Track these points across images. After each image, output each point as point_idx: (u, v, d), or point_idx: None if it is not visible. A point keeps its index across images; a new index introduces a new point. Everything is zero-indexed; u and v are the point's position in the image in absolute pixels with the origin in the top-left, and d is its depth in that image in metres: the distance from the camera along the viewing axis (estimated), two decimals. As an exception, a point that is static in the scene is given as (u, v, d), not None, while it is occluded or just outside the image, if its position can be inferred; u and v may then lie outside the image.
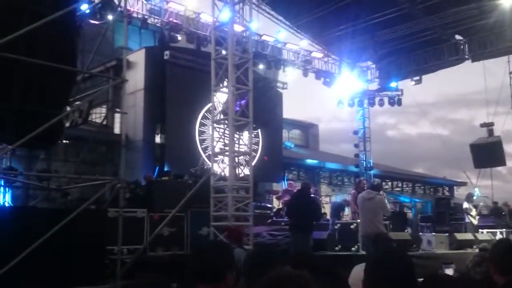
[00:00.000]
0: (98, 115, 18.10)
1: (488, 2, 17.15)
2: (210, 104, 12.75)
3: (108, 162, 16.25)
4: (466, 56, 22.41)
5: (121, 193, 8.71)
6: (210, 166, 12.11)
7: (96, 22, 14.65)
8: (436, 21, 21.21)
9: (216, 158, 12.16)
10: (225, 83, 11.86)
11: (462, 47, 22.45)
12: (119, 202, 8.63)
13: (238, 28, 12.38)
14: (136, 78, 17.84)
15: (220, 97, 12.26)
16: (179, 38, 18.77)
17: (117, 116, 18.67)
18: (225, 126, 11.98)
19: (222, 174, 11.69)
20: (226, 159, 11.85)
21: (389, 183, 31.45)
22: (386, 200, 13.45)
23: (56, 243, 6.99)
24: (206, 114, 17.99)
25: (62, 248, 7.26)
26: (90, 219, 8.13)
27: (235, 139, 12.06)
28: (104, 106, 17.85)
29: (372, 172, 25.14)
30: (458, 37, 22.43)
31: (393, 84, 24.52)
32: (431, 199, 26.43)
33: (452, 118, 73.53)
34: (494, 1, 16.52)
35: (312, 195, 12.85)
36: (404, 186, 32.96)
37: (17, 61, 7.67)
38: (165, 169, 17.09)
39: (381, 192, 12.13)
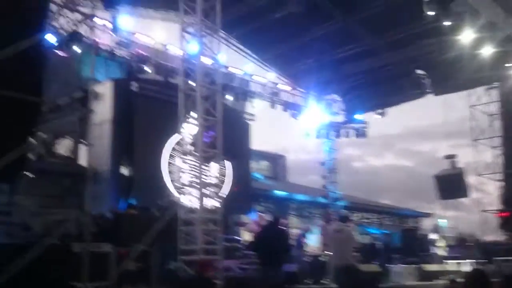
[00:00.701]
0: (63, 147, 17.72)
1: (448, 38, 17.84)
2: (178, 136, 12.68)
3: (73, 195, 15.77)
4: (428, 90, 23.15)
5: (86, 227, 8.49)
6: (178, 198, 11.97)
7: (63, 54, 14.52)
8: (397, 56, 21.94)
9: (184, 191, 12.04)
10: (194, 115, 11.86)
11: (423, 81, 23.21)
12: (84, 237, 8.39)
13: (206, 60, 12.49)
14: (103, 109, 17.58)
15: (189, 129, 12.23)
16: (147, 70, 18.77)
17: (83, 148, 18.32)
18: (194, 157, 11.92)
19: (191, 206, 11.55)
20: (195, 191, 11.74)
21: (358, 215, 31.67)
22: (354, 232, 13.52)
23: (18, 279, 6.71)
24: (175, 146, 17.86)
25: (25, 285, 6.97)
26: (54, 254, 7.87)
27: (204, 170, 12.00)
28: (69, 138, 17.50)
29: (340, 203, 25.31)
30: (419, 71, 23.20)
31: (358, 117, 25.04)
32: (399, 230, 26.72)
33: (416, 149, 75.22)
34: (453, 37, 17.20)
35: (282, 227, 12.80)
36: (372, 217, 33.25)
37: (-20, 92, 7.48)
38: (132, 201, 16.77)
39: (350, 224, 12.21)
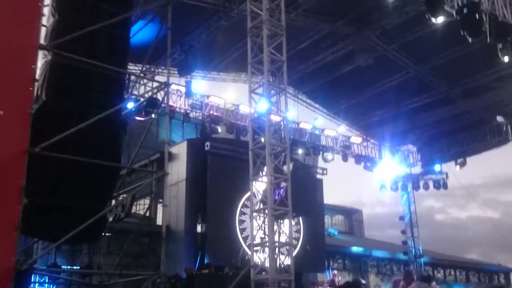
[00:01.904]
0: (141, 206, 18.44)
1: (527, 82, 17.06)
2: (249, 193, 12.78)
3: (151, 253, 16.24)
4: (510, 137, 21.94)
5: (161, 288, 8.62)
6: (250, 257, 11.90)
7: (142, 119, 15.38)
8: (475, 104, 21.13)
9: (256, 249, 11.97)
10: (264, 172, 11.95)
11: (504, 128, 22.07)
12: (159, 297, 8.51)
13: (275, 118, 12.70)
14: (178, 169, 18.29)
15: (259, 186, 12.31)
16: (219, 129, 19.42)
17: (160, 207, 18.97)
18: (265, 215, 11.90)
19: (263, 265, 11.43)
20: (267, 249, 11.63)
21: (441, 271, 29.81)
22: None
23: None
24: (246, 203, 18.01)
25: None
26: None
27: (275, 228, 11.92)
28: (148, 198, 18.21)
29: (422, 260, 23.98)
30: (499, 118, 22.13)
31: (437, 167, 24.03)
32: (487, 287, 24.76)
33: (502, 200, 70.44)
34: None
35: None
36: (457, 274, 31.14)
37: (64, 159, 8.03)
38: (206, 259, 16.92)
39: (433, 284, 11.51)
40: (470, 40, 13.58)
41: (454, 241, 46.32)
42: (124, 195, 11.30)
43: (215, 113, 19.41)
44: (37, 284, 12.91)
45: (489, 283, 30.82)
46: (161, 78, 13.70)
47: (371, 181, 25.86)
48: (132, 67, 14.93)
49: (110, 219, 10.03)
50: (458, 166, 23.48)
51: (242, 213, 18.48)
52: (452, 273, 30.63)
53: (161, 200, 18.28)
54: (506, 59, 14.05)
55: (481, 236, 54.52)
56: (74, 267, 13.12)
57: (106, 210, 8.98)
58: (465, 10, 12.57)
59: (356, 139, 24.13)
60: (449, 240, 44.26)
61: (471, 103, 21.26)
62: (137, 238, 15.79)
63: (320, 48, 18.77)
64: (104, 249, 11.95)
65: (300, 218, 19.07)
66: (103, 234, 10.19)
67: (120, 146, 9.93)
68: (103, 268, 11.33)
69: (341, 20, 17.37)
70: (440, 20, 14.16)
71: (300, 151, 21.76)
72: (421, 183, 24.59)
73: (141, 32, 12.84)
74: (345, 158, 23.46)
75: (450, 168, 24.06)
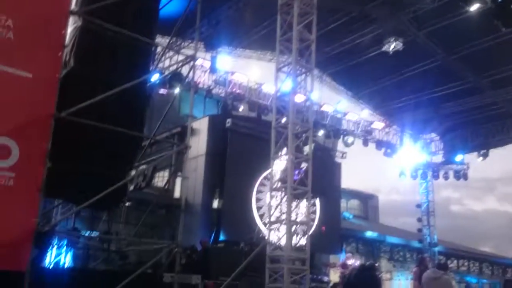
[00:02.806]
0: (160, 178, 18.62)
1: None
2: (268, 171, 12.78)
3: (166, 225, 16.46)
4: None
5: (177, 258, 8.74)
6: (266, 234, 11.96)
7: (165, 92, 15.41)
8: (502, 95, 20.72)
9: (272, 227, 12.01)
10: (284, 151, 11.91)
11: (530, 122, 21.66)
12: (175, 267, 8.63)
13: (299, 98, 12.58)
14: (198, 144, 18.37)
15: (279, 165, 12.29)
16: (241, 107, 19.40)
17: (178, 180, 19.12)
18: (283, 194, 11.90)
19: (278, 243, 11.48)
20: (283, 228, 11.67)
21: (455, 262, 29.66)
22: (453, 281, 12.65)
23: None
24: (264, 181, 18.03)
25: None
26: (146, 283, 8.16)
27: (292, 207, 11.93)
28: (166, 170, 18.37)
29: (436, 249, 23.90)
30: (525, 111, 21.69)
31: (458, 158, 23.73)
32: (500, 280, 24.60)
33: (521, 194, 69.49)
34: None
35: (375, 274, 12.23)
36: (471, 265, 30.96)
37: (88, 125, 8.10)
38: (221, 234, 17.09)
39: (448, 272, 11.44)
40: (503, 29, 13.28)
41: (469, 233, 45.99)
42: (145, 166, 11.39)
43: (238, 91, 19.37)
44: (55, 247, 13.18)
45: (503, 276, 30.59)
46: (187, 52, 13.63)
47: (390, 168, 25.73)
48: (159, 39, 14.89)
49: (131, 187, 10.14)
50: (480, 158, 23.18)
51: (259, 191, 18.55)
52: (466, 264, 30.46)
53: (179, 173, 18.43)
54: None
55: (496, 229, 54.08)
56: (93, 233, 13.36)
57: (129, 178, 9.08)
58: (501, -2, 12.23)
59: (378, 124, 23.92)
60: (464, 231, 43.97)
61: (498, 95, 20.86)
62: (154, 209, 16.00)
63: (349, 30, 18.44)
64: (123, 217, 12.15)
65: (317, 199, 19.07)
66: (123, 202, 10.32)
67: (144, 117, 9.97)
68: (121, 235, 11.53)
69: (372, 2, 17.05)
70: (474, 7, 13.87)
71: (320, 133, 21.67)
72: (441, 173, 24.38)
73: (170, 4, 12.75)
74: (365, 143, 23.31)
75: (471, 159, 23.81)
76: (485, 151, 23.03)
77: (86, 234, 13.49)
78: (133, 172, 10.19)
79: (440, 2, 16.09)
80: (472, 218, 61.33)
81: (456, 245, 30.60)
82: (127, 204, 12.83)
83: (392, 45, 17.76)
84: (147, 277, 8.52)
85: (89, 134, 8.46)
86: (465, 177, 23.86)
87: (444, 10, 16.55)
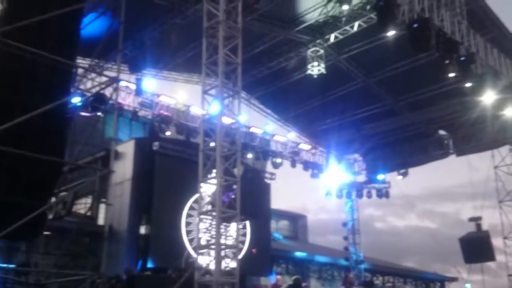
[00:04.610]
0: (83, 205, 17.82)
1: (470, 99, 17.80)
2: (197, 195, 12.62)
3: (90, 254, 15.72)
4: (451, 151, 22.90)
5: (101, 289, 8.34)
6: (195, 259, 11.74)
7: (88, 114, 14.89)
8: (419, 117, 21.93)
9: (202, 251, 11.83)
10: (214, 174, 11.84)
11: (446, 141, 23.02)
12: (98, 299, 8.22)
13: (227, 120, 12.62)
14: (124, 169, 17.81)
15: (208, 188, 12.18)
16: (169, 130, 19.11)
17: (102, 207, 18.40)
18: (212, 217, 11.78)
19: (208, 268, 11.30)
20: (213, 252, 11.53)
21: (380, 278, 30.61)
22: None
23: None
24: (194, 205, 17.78)
25: None
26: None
27: (222, 231, 11.83)
28: (89, 197, 17.62)
29: (362, 266, 24.55)
30: (442, 132, 23.06)
31: (380, 177, 24.74)
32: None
33: (439, 211, 73.44)
34: (475, 98, 17.14)
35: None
36: (395, 281, 32.08)
37: (4, 152, 7.65)
38: (149, 261, 16.56)
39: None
40: (418, 54, 14.12)
41: (393, 249, 47.77)
42: (65, 193, 10.87)
43: (165, 113, 19.09)
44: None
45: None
46: (110, 74, 13.28)
47: (317, 188, 26.27)
48: (81, 61, 14.44)
49: (50, 216, 9.62)
50: (400, 176, 24.28)
51: (189, 215, 18.23)
52: (391, 280, 31.52)
53: (104, 200, 17.75)
54: (451, 75, 14.67)
55: (418, 245, 56.58)
56: (10, 265, 12.50)
57: (46, 206, 8.62)
58: (415, 25, 12.99)
59: (305, 145, 24.47)
60: (388, 248, 45.60)
61: (415, 116, 22.06)
62: (77, 238, 15.22)
63: (274, 54, 18.93)
64: (42, 248, 11.46)
65: (247, 221, 19.04)
66: (42, 232, 9.75)
67: (64, 141, 9.57)
68: (40, 267, 10.86)
69: (295, 28, 17.60)
70: (390, 33, 14.64)
71: (250, 155, 21.81)
72: (365, 192, 25.23)
73: (92, 25, 12.46)
74: (293, 164, 23.72)
75: (392, 178, 24.86)
76: (404, 170, 24.15)
77: (3, 267, 12.61)
78: (53, 200, 9.69)
79: (359, 28, 16.91)
80: (395, 235, 63.86)
81: (381, 261, 31.60)
82: (46, 233, 12.14)
83: (316, 69, 18.35)
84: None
85: (6, 161, 7.99)
86: (386, 195, 24.84)
87: (363, 36, 17.40)
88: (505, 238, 21.75)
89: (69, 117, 11.19)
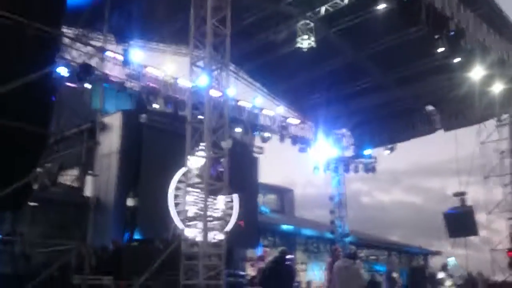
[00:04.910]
0: (69, 177, 17.73)
1: (458, 74, 17.85)
2: (185, 168, 12.62)
3: (76, 225, 15.69)
4: (438, 127, 23.06)
5: (86, 259, 8.38)
6: (182, 231, 11.82)
7: (74, 85, 14.69)
8: (407, 92, 21.97)
9: (189, 223, 11.90)
10: (202, 147, 11.83)
11: (433, 117, 23.16)
12: (84, 269, 8.27)
13: (215, 93, 12.55)
14: (111, 141, 17.68)
15: (196, 161, 12.17)
16: (157, 102, 18.94)
17: (89, 179, 18.31)
18: (200, 190, 11.82)
19: (195, 239, 11.39)
20: (200, 224, 11.60)
21: (365, 251, 31.14)
22: (362, 269, 13.22)
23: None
24: (182, 178, 17.77)
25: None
26: (53, 286, 7.74)
27: (210, 203, 11.89)
28: (76, 169, 17.53)
29: (348, 239, 24.92)
30: (429, 107, 23.17)
31: (367, 152, 24.90)
32: (407, 268, 26.16)
33: (424, 186, 74.51)
34: (463, 73, 17.20)
35: (288, 263, 12.55)
36: (380, 254, 32.67)
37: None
38: (136, 232, 16.63)
39: (357, 261, 11.93)
40: (408, 29, 14.06)
41: (378, 223, 48.48)
42: (51, 164, 10.80)
43: (152, 85, 18.89)
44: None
45: (409, 264, 32.56)
46: (96, 44, 13.06)
47: (304, 162, 26.40)
48: (66, 30, 14.16)
49: (36, 187, 9.56)
50: (387, 151, 24.47)
51: (176, 188, 18.22)
52: (375, 253, 32.09)
53: (90, 171, 17.66)
54: (440, 50, 14.67)
55: (402, 219, 57.49)
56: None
57: (31, 177, 8.55)
58: (405, -1, 12.92)
59: (293, 120, 24.47)
60: (373, 222, 46.26)
61: (403, 92, 22.09)
62: (63, 208, 15.19)
63: (263, 27, 18.71)
64: (28, 218, 11.45)
65: (235, 195, 19.11)
66: (27, 202, 9.71)
67: (49, 112, 9.42)
68: (26, 237, 10.87)
69: (285, 0, 17.38)
70: (380, 6, 14.55)
71: (238, 129, 21.77)
72: (352, 166, 25.42)
73: (78, -7, 12.17)
74: (282, 139, 23.76)
75: (379, 153, 25.05)
76: (392, 145, 24.33)
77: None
78: (38, 171, 9.62)
79: (350, 1, 16.74)
80: (381, 209, 64.77)
81: (366, 235, 32.10)
82: (32, 204, 12.10)
83: (306, 42, 18.21)
84: (54, 280, 8.07)
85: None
86: (373, 170, 25.08)
87: (353, 9, 17.26)
88: (488, 213, 22.16)
89: (55, 87, 11.03)
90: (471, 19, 15.36)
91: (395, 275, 16.30)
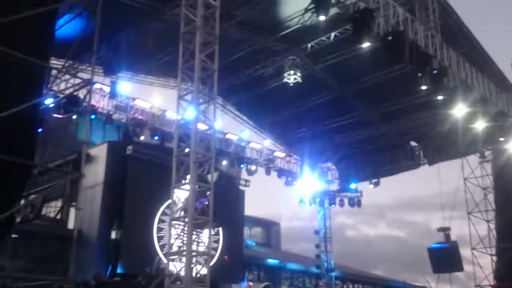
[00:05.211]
0: (53, 209, 17.47)
1: (441, 111, 18.15)
2: (170, 201, 12.52)
3: (58, 259, 15.39)
4: (422, 162, 23.31)
5: (68, 295, 8.17)
6: (166, 265, 11.64)
7: (60, 116, 14.64)
8: (392, 128, 22.29)
9: (173, 257, 11.73)
10: (187, 180, 11.77)
11: (417, 153, 23.42)
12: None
13: (202, 126, 12.60)
14: (96, 172, 17.55)
15: (182, 194, 12.11)
16: (143, 135, 18.93)
17: (73, 211, 18.07)
18: (185, 223, 11.70)
19: (179, 274, 11.21)
20: (184, 259, 11.44)
21: (350, 286, 30.87)
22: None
23: None
24: (167, 211, 17.62)
25: None
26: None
27: (194, 237, 11.75)
28: (60, 201, 17.30)
29: (333, 274, 24.74)
30: (413, 143, 23.47)
31: (352, 186, 25.01)
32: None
33: (409, 220, 74.49)
34: (446, 110, 17.50)
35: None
36: (365, 289, 32.40)
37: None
38: (119, 267, 16.33)
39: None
40: (392, 66, 14.36)
41: (363, 257, 48.18)
42: (35, 196, 10.64)
43: (140, 117, 18.92)
44: None
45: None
46: (84, 76, 13.10)
47: (290, 195, 26.39)
48: (54, 62, 14.20)
49: (18, 219, 9.39)
50: (372, 186, 24.58)
51: (161, 221, 18.04)
52: (360, 287, 31.82)
53: (74, 203, 17.44)
54: (424, 87, 14.96)
55: (387, 253, 57.25)
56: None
57: (14, 209, 8.40)
58: (390, 38, 13.22)
59: (279, 153, 24.57)
60: (359, 255, 45.96)
61: (388, 127, 22.43)
62: (45, 241, 14.92)
63: (251, 61, 19.00)
64: (10, 251, 11.17)
65: (220, 228, 18.97)
66: (9, 235, 9.51)
67: (34, 143, 9.37)
68: (7, 271, 10.59)
69: (273, 36, 17.71)
70: (365, 45, 14.85)
71: (224, 162, 21.77)
72: (337, 200, 25.46)
73: (67, 26, 12.24)
74: (268, 172, 23.79)
75: (364, 187, 25.16)
76: (376, 179, 24.46)
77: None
78: (21, 202, 9.47)
79: (336, 38, 17.12)
80: (366, 243, 64.46)
81: (351, 269, 31.88)
82: (14, 236, 11.85)
83: (292, 77, 18.50)
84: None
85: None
86: (358, 204, 25.11)
87: (339, 47, 17.62)
88: (473, 249, 22.21)
89: (41, 118, 11.00)
90: (454, 58, 15.74)
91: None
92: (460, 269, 21.21)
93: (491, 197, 22.47)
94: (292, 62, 18.51)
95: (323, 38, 17.40)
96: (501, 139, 18.86)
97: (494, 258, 22.00)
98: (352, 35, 14.00)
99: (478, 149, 20.96)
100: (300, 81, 18.55)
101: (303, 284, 27.62)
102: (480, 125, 17.99)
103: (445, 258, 20.64)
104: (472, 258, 22.21)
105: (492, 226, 22.35)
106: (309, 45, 17.92)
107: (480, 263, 22.12)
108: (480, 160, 22.33)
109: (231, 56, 17.85)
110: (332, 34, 17.14)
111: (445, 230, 21.25)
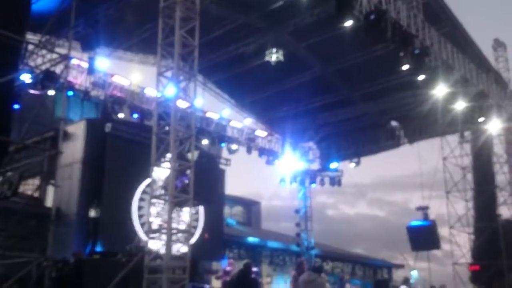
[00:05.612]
0: (30, 186, 17.21)
1: (422, 91, 18.24)
2: (150, 179, 12.42)
3: (37, 236, 15.21)
4: (402, 142, 23.51)
5: (47, 272, 8.10)
6: (146, 243, 11.60)
7: (37, 92, 14.32)
8: (373, 107, 22.36)
9: (153, 235, 11.69)
10: (167, 158, 11.67)
11: (398, 132, 23.60)
12: (44, 282, 8.00)
13: (182, 104, 12.43)
14: (74, 150, 17.28)
15: (162, 172, 12.01)
16: (122, 112, 18.63)
17: (50, 188, 17.82)
18: (165, 202, 11.64)
19: (159, 252, 11.19)
20: (164, 237, 11.40)
21: (330, 264, 31.32)
22: (326, 283, 13.28)
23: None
24: (147, 189, 17.51)
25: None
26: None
27: (174, 215, 11.71)
28: (37, 178, 17.03)
29: (313, 252, 25.02)
30: (394, 123, 23.63)
31: (333, 165, 25.14)
32: (371, 280, 26.44)
33: (388, 200, 75.75)
34: (427, 91, 17.59)
35: (253, 276, 12.49)
36: (345, 267, 32.91)
37: None
38: (98, 245, 16.24)
39: (322, 274, 11.98)
40: (374, 46, 14.31)
41: (343, 236, 48.89)
42: (12, 173, 10.45)
43: (118, 94, 18.61)
44: None
45: (374, 277, 32.91)
46: (62, 51, 12.78)
47: (271, 174, 26.44)
48: (31, 36, 13.83)
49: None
50: (353, 165, 24.75)
51: (141, 199, 17.94)
52: (340, 265, 32.31)
53: (52, 181, 17.19)
54: (405, 67, 14.97)
55: (367, 232, 58.14)
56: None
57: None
58: (372, 17, 13.15)
59: (261, 132, 24.51)
60: (339, 234, 46.65)
61: (369, 107, 22.49)
62: (23, 219, 14.68)
63: (233, 39, 18.70)
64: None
65: (201, 206, 18.95)
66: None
67: (11, 119, 9.18)
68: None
69: (255, 13, 17.46)
70: (348, 23, 14.75)
71: (205, 140, 21.65)
72: (318, 179, 25.60)
73: (44, 0, 11.92)
74: (249, 151, 23.74)
75: (345, 166, 25.33)
76: (357, 159, 24.63)
77: None
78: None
79: (318, 17, 16.96)
80: (346, 222, 65.43)
81: (331, 247, 32.33)
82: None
83: (274, 56, 18.33)
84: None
85: None
86: (339, 183, 25.29)
87: (322, 25, 17.46)
88: (451, 227, 22.64)
89: (17, 94, 10.75)
90: (436, 38, 15.77)
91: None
92: (438, 247, 21.63)
93: (469, 176, 22.87)
94: (274, 41, 18.31)
95: (306, 16, 17.21)
96: (481, 119, 19.10)
97: (472, 236, 22.51)
98: (335, 13, 13.87)
99: (458, 129, 21.19)
100: (282, 59, 18.39)
101: (284, 262, 27.92)
102: (460, 105, 18.14)
103: (424, 236, 21.00)
104: (450, 236, 22.72)
105: (470, 205, 22.81)
106: (292, 23, 17.73)
107: (458, 241, 22.66)
108: (459, 140, 22.63)
109: (212, 33, 17.56)
110: (315, 12, 16.95)
111: (423, 209, 21.58)
